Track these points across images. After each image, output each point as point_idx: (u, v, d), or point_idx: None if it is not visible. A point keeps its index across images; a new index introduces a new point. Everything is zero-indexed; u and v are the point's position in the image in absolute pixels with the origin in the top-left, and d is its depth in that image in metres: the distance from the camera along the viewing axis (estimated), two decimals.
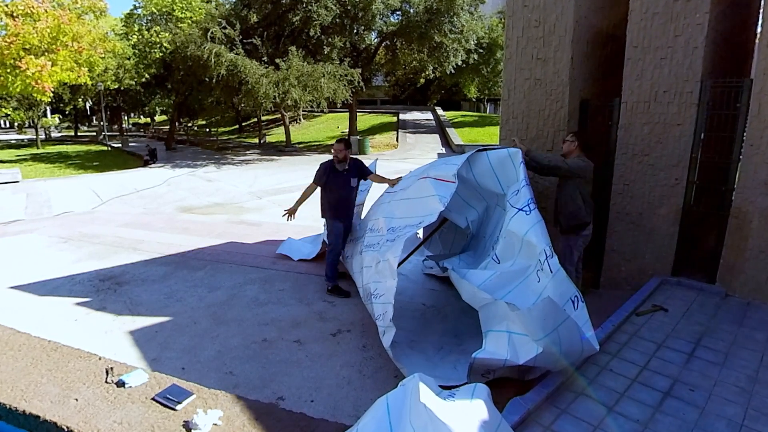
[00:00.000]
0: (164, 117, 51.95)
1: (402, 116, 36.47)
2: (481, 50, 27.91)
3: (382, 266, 3.97)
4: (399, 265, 5.61)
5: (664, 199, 4.87)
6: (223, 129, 42.65)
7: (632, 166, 4.96)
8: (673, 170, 4.77)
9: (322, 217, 5.61)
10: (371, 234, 4.65)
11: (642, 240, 5.05)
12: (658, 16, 4.60)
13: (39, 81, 14.72)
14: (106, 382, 3.63)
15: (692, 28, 4.46)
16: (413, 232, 4.10)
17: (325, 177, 5.33)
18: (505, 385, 3.42)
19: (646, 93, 4.76)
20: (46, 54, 15.28)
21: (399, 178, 5.05)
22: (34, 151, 30.78)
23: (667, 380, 3.38)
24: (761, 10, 5.82)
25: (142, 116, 55.04)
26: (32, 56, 14.70)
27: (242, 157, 24.45)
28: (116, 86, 26.84)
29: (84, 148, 33.81)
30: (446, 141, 25.75)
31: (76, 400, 3.43)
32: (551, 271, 3.43)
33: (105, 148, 32.71)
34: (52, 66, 15.07)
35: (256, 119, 39.45)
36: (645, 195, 4.94)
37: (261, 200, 12.98)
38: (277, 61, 20.50)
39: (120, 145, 32.44)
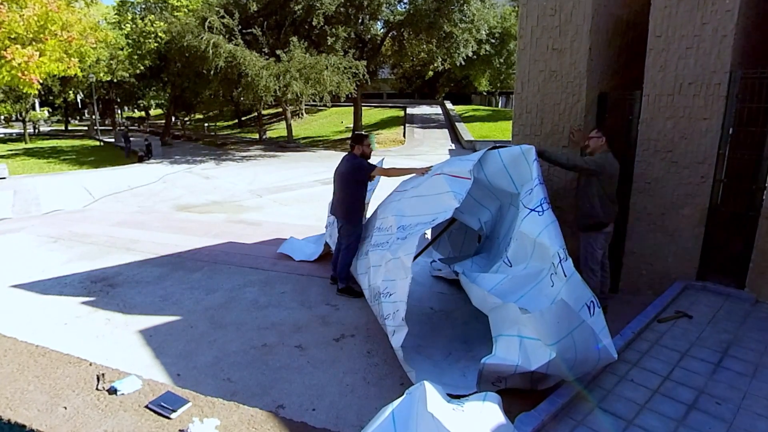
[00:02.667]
0: (159, 111, 52.22)
1: (409, 110, 36.50)
2: (493, 40, 27.89)
3: (393, 264, 3.99)
4: None
5: (688, 198, 4.82)
6: (222, 123, 42.86)
7: (654, 163, 4.92)
8: (699, 167, 4.73)
9: (347, 217, 5.32)
10: (379, 233, 4.65)
11: (664, 242, 5.01)
12: (683, 3, 4.56)
13: (26, 72, 14.73)
14: (96, 389, 3.64)
15: (721, 14, 4.41)
16: (426, 229, 4.12)
17: None
18: (517, 395, 3.41)
19: (670, 85, 4.72)
20: (34, 44, 15.31)
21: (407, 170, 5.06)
22: (23, 145, 31.10)
23: (691, 392, 3.35)
24: None
25: (136, 110, 55.32)
26: (18, 46, 14.72)
27: (242, 153, 24.58)
28: (109, 78, 27.00)
29: (77, 142, 34.17)
30: (456, 137, 25.72)
31: (65, 408, 3.44)
32: (565, 275, 3.41)
33: (97, 142, 32.98)
34: (39, 56, 15.08)
35: (256, 113, 39.64)
36: (668, 194, 4.91)
37: (261, 198, 13.03)
38: (278, 52, 20.58)
39: (113, 139, 32.72)
